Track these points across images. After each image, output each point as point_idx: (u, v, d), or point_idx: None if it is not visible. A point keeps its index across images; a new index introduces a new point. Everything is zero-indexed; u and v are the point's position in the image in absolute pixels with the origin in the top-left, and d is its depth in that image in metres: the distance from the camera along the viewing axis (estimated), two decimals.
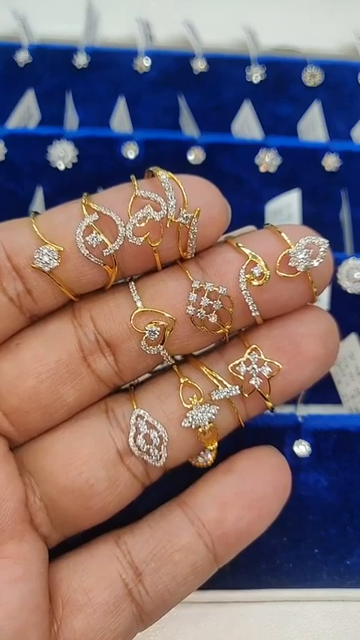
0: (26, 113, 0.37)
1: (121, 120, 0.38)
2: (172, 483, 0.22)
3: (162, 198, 0.19)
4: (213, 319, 0.20)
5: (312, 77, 0.39)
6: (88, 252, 0.19)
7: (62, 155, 0.35)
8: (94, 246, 0.19)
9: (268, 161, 0.35)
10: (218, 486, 0.22)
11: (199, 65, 0.39)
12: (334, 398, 0.30)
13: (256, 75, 0.39)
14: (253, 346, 0.21)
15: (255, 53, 0.39)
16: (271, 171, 0.35)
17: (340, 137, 0.38)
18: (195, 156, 0.35)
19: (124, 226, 0.19)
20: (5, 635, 0.19)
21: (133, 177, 0.20)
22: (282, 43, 0.40)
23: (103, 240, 0.19)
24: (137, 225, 0.19)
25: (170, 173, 0.20)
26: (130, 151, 0.35)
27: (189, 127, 0.38)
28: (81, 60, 0.39)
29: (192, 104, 0.38)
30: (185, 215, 0.19)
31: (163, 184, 0.19)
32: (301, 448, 0.27)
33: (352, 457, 0.27)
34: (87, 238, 0.19)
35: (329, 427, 0.27)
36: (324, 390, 0.30)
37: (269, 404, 0.21)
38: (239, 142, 0.36)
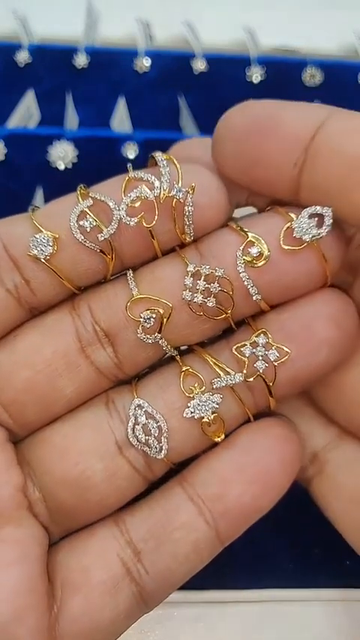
0: (26, 113, 0.37)
1: (121, 120, 0.38)
2: None
3: (156, 178, 0.19)
4: (211, 303, 0.19)
5: (312, 77, 0.39)
6: (82, 237, 0.19)
7: (62, 155, 0.35)
8: (89, 230, 0.19)
9: None
10: (219, 461, 0.21)
11: (199, 65, 0.39)
12: None
13: (256, 75, 0.39)
14: (262, 329, 0.20)
15: (255, 53, 0.39)
16: None
17: None
18: None
19: (119, 209, 0.19)
20: (3, 617, 0.18)
21: (129, 165, 0.20)
22: (282, 43, 0.40)
23: (97, 224, 0.19)
24: (130, 205, 0.19)
25: (168, 155, 0.20)
26: (130, 151, 0.35)
27: (189, 127, 0.38)
28: (81, 60, 0.39)
29: (192, 104, 0.38)
30: (179, 188, 0.19)
31: (159, 163, 0.19)
32: None
33: None
34: (81, 222, 0.19)
35: None
36: None
37: (272, 400, 0.20)
38: None
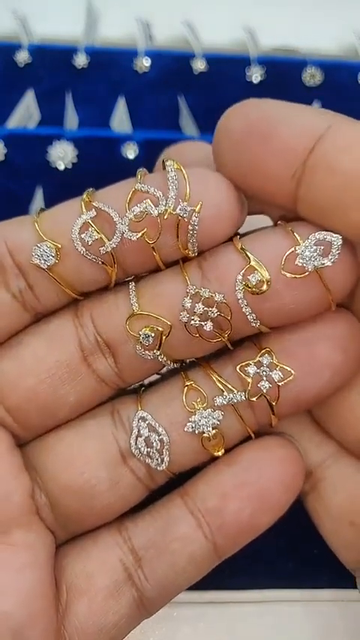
0: (26, 113, 0.37)
1: (121, 120, 0.38)
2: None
3: (162, 193, 0.19)
4: (208, 327, 0.19)
5: (312, 77, 0.39)
6: (84, 249, 0.19)
7: (62, 155, 0.35)
8: (90, 243, 0.19)
9: None
10: (220, 476, 0.21)
11: (199, 65, 0.39)
12: None
13: (256, 75, 0.39)
14: (266, 349, 0.20)
15: (255, 53, 0.39)
16: None
17: None
18: None
19: (122, 222, 0.19)
20: (15, 622, 0.19)
21: (139, 170, 0.19)
22: (282, 43, 0.40)
23: (99, 237, 0.19)
24: (134, 220, 0.18)
25: (179, 164, 0.19)
26: (130, 151, 0.35)
27: (189, 127, 0.38)
28: (81, 60, 0.39)
29: (192, 104, 0.38)
30: (184, 208, 0.18)
31: (168, 174, 0.19)
32: None
33: None
34: (82, 235, 0.19)
35: None
36: None
37: (274, 418, 0.20)
38: None
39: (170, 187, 0.19)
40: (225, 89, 0.39)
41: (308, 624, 0.27)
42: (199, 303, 0.19)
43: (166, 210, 0.18)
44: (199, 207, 0.18)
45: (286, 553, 0.27)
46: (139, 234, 0.19)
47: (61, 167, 0.35)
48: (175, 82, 0.39)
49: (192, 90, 0.38)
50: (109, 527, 0.22)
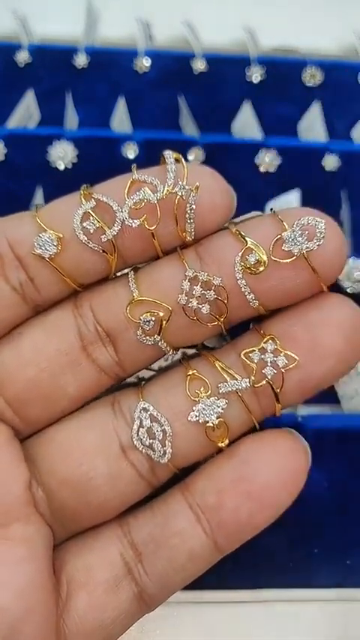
0: (26, 113, 0.37)
1: (121, 120, 0.38)
2: None
3: (159, 181, 0.19)
4: (205, 310, 0.19)
5: (312, 77, 0.39)
6: (86, 238, 0.19)
7: (62, 155, 0.35)
8: (92, 231, 0.19)
9: (268, 161, 0.35)
10: (219, 471, 0.21)
11: (199, 65, 0.39)
12: (333, 398, 0.30)
13: (256, 75, 0.39)
14: (270, 335, 0.20)
15: (255, 53, 0.39)
16: (271, 171, 0.35)
17: (340, 137, 0.38)
18: (195, 156, 0.35)
19: (121, 210, 0.19)
20: (13, 615, 0.19)
21: (134, 166, 0.20)
22: (282, 43, 0.40)
23: (100, 225, 0.19)
24: (133, 207, 0.19)
25: (177, 154, 0.20)
26: (130, 151, 0.35)
27: (189, 127, 0.38)
28: (81, 60, 0.39)
29: (192, 104, 0.38)
30: (182, 186, 0.19)
31: (167, 160, 0.19)
32: None
33: (352, 457, 0.27)
34: (84, 224, 0.19)
35: (329, 427, 0.27)
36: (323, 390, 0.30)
37: (278, 407, 0.20)
38: (239, 141, 0.36)
39: (169, 169, 0.19)
40: (225, 89, 0.39)
41: (308, 624, 0.27)
42: (197, 286, 0.19)
43: (167, 190, 0.19)
44: (196, 187, 0.19)
45: (286, 552, 0.27)
46: (140, 221, 0.19)
47: (61, 167, 0.35)
48: (175, 82, 0.39)
49: (192, 90, 0.38)
50: (110, 522, 0.21)
